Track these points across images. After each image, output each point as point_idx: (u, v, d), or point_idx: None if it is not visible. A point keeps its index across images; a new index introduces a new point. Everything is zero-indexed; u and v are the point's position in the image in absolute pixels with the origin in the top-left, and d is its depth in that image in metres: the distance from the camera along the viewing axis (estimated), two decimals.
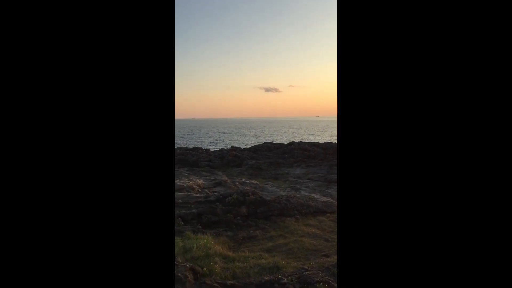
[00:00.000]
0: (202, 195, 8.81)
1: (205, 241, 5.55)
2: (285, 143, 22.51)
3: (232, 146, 22.64)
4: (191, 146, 24.67)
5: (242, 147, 22.85)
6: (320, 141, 24.40)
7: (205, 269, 4.51)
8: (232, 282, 4.15)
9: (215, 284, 4.03)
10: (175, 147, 23.41)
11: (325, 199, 8.65)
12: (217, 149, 21.81)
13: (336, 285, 3.91)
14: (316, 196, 8.88)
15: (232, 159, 16.86)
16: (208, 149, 21.08)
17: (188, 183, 9.78)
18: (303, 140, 28.01)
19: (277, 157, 17.47)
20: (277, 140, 39.28)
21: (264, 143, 22.96)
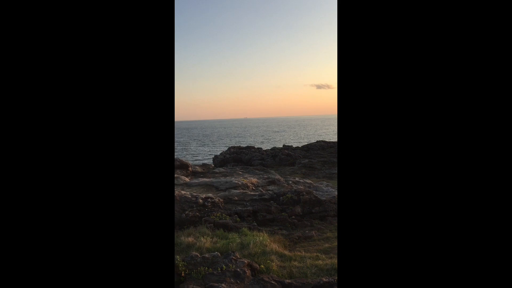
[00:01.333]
0: (257, 193, 8.95)
1: (261, 238, 5.63)
2: None
3: (284, 145, 22.62)
4: (244, 145, 25.20)
5: (294, 145, 22.69)
6: None
7: (262, 266, 4.57)
8: (289, 281, 4.14)
9: (273, 282, 4.06)
10: (229, 146, 24.12)
11: None
12: (269, 148, 21.96)
13: None
14: None
15: (285, 157, 16.83)
16: (261, 148, 21.33)
17: (243, 181, 10.01)
18: None
19: (331, 156, 17.01)
20: (330, 138, 38.20)
21: (317, 141, 22.52)
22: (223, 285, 3.83)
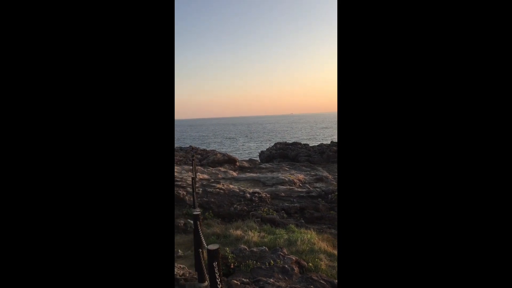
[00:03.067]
0: (304, 190, 8.83)
1: (309, 236, 5.54)
2: None
3: (332, 141, 22.00)
4: (290, 141, 25.02)
5: None
6: None
7: (310, 264, 4.50)
8: None
9: (322, 281, 3.97)
10: (275, 141, 24.11)
11: None
12: (316, 144, 21.51)
13: None
14: None
15: (333, 154, 16.36)
16: (307, 144, 20.98)
17: (290, 177, 9.94)
18: None
19: None
20: None
21: None
22: (271, 280, 3.84)
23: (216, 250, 2.36)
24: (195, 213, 3.81)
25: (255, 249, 4.76)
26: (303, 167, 13.00)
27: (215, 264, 2.31)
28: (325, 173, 11.51)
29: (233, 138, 55.59)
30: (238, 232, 5.84)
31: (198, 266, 3.68)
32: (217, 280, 2.25)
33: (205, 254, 3.92)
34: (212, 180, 10.12)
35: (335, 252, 5.14)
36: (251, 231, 5.89)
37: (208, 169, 12.80)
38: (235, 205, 7.56)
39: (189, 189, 8.30)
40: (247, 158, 19.48)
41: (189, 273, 3.88)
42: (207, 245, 2.65)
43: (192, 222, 6.88)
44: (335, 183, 9.83)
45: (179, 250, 5.57)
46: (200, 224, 3.73)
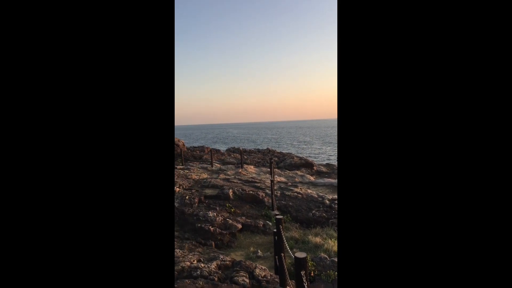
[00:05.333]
0: None
1: None
2: None
3: None
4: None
5: None
6: None
7: None
8: None
9: None
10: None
11: None
12: None
13: None
14: None
15: None
16: None
17: None
18: None
19: None
20: None
21: None
22: None
23: (304, 259, 2.32)
24: (278, 216, 3.84)
25: (336, 259, 4.57)
26: None
27: (303, 273, 2.27)
28: None
29: (308, 141, 54.92)
30: (317, 239, 5.70)
31: (280, 271, 3.69)
32: None
33: (286, 258, 3.92)
34: (290, 184, 10.12)
35: None
36: (330, 239, 5.69)
37: (285, 172, 12.86)
38: (313, 211, 7.41)
39: (268, 191, 8.45)
40: (324, 162, 18.98)
41: (270, 275, 3.92)
42: (289, 250, 2.63)
43: (270, 224, 6.99)
44: None
45: (259, 251, 5.69)
46: (282, 228, 3.74)
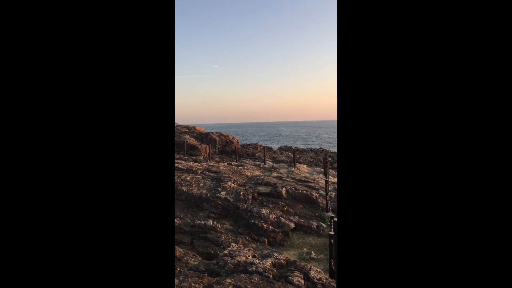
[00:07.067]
0: None
1: None
2: None
3: None
4: None
5: None
6: None
7: None
8: None
9: None
10: None
11: None
12: None
13: None
14: None
15: None
16: None
17: None
18: None
19: None
20: None
21: None
22: None
23: None
24: (335, 219, 3.72)
25: None
26: None
27: None
28: None
29: None
30: None
31: (336, 275, 3.58)
32: None
33: None
34: None
35: None
36: None
37: None
38: None
39: (322, 192, 8.27)
40: None
41: (326, 279, 3.82)
42: None
43: (324, 225, 6.82)
44: None
45: (312, 252, 5.60)
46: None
